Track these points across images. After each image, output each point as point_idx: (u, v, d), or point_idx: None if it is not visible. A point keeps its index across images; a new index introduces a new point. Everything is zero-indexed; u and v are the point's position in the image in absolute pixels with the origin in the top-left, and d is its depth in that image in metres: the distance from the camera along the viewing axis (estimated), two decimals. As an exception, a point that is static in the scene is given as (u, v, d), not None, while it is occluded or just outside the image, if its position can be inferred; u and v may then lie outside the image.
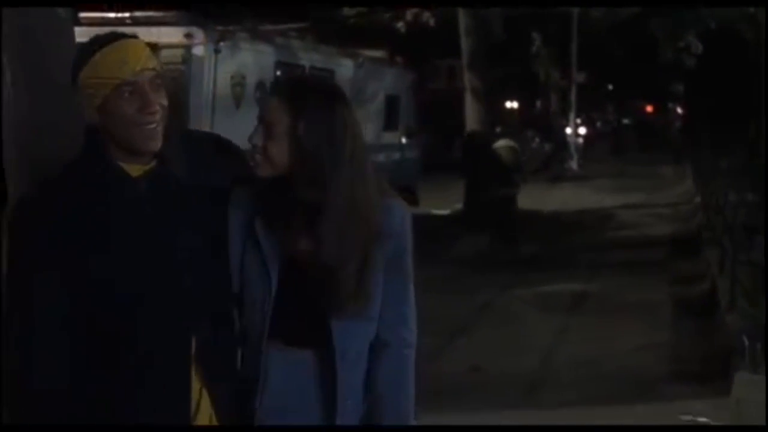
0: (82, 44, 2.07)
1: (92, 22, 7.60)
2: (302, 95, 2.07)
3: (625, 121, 48.39)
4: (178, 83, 8.25)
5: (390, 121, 12.77)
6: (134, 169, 2.07)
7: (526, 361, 6.67)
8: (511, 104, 43.53)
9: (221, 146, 2.28)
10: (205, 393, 2.13)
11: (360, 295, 2.09)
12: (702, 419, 5.33)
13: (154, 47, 8.43)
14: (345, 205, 2.05)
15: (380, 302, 2.15)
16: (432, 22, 14.79)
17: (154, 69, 2.07)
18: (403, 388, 2.19)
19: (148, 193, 2.08)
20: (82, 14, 7.81)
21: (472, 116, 14.99)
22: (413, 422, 2.19)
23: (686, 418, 5.35)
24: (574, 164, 29.47)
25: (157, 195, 2.09)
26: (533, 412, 5.49)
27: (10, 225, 2.07)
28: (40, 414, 2.02)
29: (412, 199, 13.93)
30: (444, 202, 16.18)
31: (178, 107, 8.32)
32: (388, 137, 12.83)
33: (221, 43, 8.61)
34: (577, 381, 6.17)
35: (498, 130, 34.15)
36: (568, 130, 30.40)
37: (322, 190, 2.03)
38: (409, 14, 13.99)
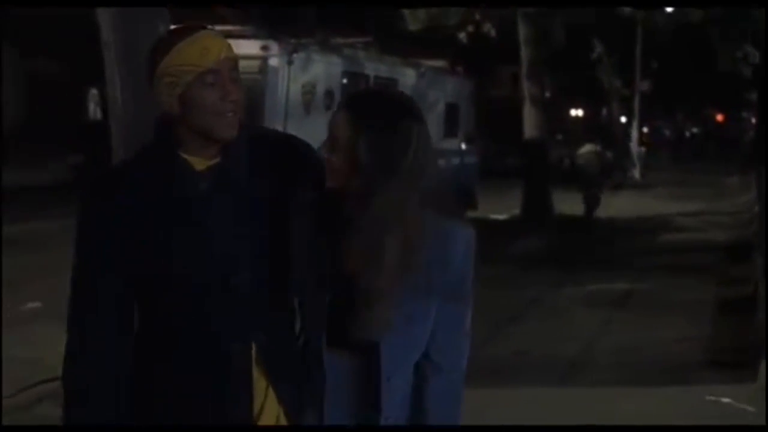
0: (162, 36, 2.13)
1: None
2: (368, 110, 2.11)
3: (695, 130, 48.32)
4: (255, 91, 9.13)
5: (450, 128, 13.51)
6: (199, 163, 2.10)
7: (568, 347, 7.35)
8: (576, 112, 43.87)
9: (294, 149, 2.24)
10: (271, 393, 2.14)
11: (400, 318, 2.08)
12: (725, 400, 5.95)
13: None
14: (387, 217, 2.05)
15: (431, 327, 2.14)
16: (492, 32, 15.46)
17: (233, 59, 2.11)
18: (452, 410, 2.22)
19: (210, 187, 2.10)
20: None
21: (530, 124, 15.64)
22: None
23: (710, 398, 5.97)
24: (636, 173, 29.80)
25: (219, 189, 2.10)
26: (570, 389, 6.18)
27: (79, 209, 2.12)
28: (91, 408, 2.06)
29: (471, 203, 14.68)
30: (503, 207, 16.87)
31: (255, 113, 9.20)
32: (448, 143, 13.57)
33: (294, 55, 9.44)
34: (614, 365, 6.83)
35: (560, 137, 34.63)
36: (632, 139, 30.75)
37: (368, 205, 2.05)
38: (471, 26, 14.70)
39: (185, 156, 2.08)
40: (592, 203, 14.73)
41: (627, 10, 20.43)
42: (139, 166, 2.11)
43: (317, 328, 2.13)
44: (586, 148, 15.13)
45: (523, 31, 15.48)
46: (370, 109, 2.10)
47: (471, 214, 14.99)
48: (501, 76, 30.02)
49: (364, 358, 2.11)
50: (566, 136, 34.66)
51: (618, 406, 5.79)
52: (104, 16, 6.41)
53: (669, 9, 21.13)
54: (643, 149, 31.09)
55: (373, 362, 2.10)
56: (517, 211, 16.42)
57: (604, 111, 39.56)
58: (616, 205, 19.30)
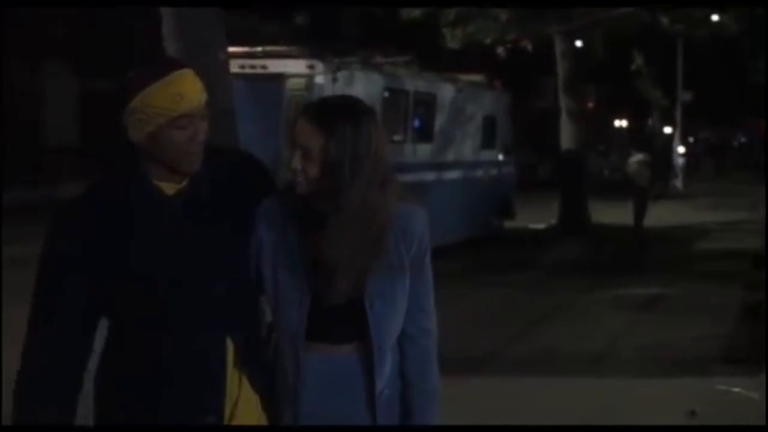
0: (137, 71, 2.18)
1: (231, 55, 9.26)
2: (329, 115, 2.24)
3: (743, 140, 48.21)
4: (301, 107, 9.89)
5: (487, 140, 14.17)
6: (168, 188, 2.24)
7: (593, 344, 7.97)
8: (619, 123, 44.17)
9: (250, 165, 2.43)
10: (245, 383, 2.31)
11: (386, 292, 2.30)
12: (736, 389, 6.56)
13: (282, 76, 10.13)
14: (358, 209, 2.22)
15: (407, 298, 2.35)
16: (529, 47, 16.12)
17: (205, 99, 2.22)
18: (429, 376, 2.41)
19: (181, 210, 2.23)
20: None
21: (567, 136, 16.26)
22: (438, 408, 2.42)
23: (722, 388, 6.58)
24: (678, 183, 30.17)
25: (189, 212, 2.24)
26: (592, 379, 6.82)
27: (50, 227, 2.22)
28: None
29: (509, 212, 15.34)
30: (544, 216, 17.48)
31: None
32: (486, 154, 14.23)
33: (338, 73, 10.18)
34: (635, 359, 7.44)
35: (601, 148, 35.05)
36: (674, 149, 31.10)
37: (340, 197, 2.20)
38: (508, 42, 15.37)
39: (156, 182, 2.22)
40: (641, 211, 15.49)
41: (665, 22, 20.93)
42: (112, 188, 2.22)
43: (293, 327, 2.27)
44: (636, 158, 16.04)
45: (559, 47, 16.11)
46: (333, 116, 2.23)
47: (509, 222, 15.65)
48: (543, 88, 30.57)
49: (355, 338, 2.30)
50: (607, 147, 35.10)
51: (636, 392, 6.45)
52: (166, 29, 7.27)
53: (704, 18, 21.53)
54: (685, 160, 31.42)
55: (364, 338, 2.29)
56: (554, 221, 17.02)
57: (649, 122, 39.93)
58: (654, 215, 19.77)
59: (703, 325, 8.65)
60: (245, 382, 2.30)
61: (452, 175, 12.98)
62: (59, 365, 2.15)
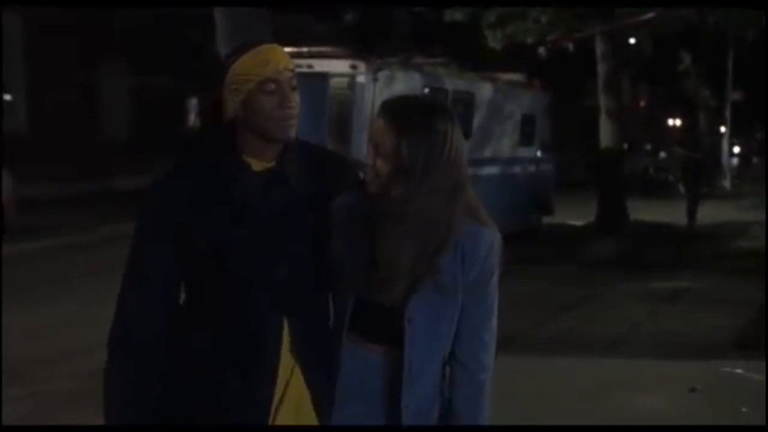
0: (230, 49, 2.38)
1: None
2: (404, 113, 2.23)
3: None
4: (344, 104, 10.63)
5: (526, 138, 14.77)
6: (257, 164, 2.36)
7: (614, 329, 8.57)
8: (669, 122, 44.23)
9: (334, 160, 2.53)
10: (297, 374, 2.38)
11: (430, 313, 2.25)
12: (738, 371, 7.13)
13: (326, 76, 10.86)
14: (423, 215, 2.19)
15: (455, 326, 2.29)
16: (571, 47, 16.64)
17: (292, 71, 2.36)
18: (480, 410, 2.32)
19: (265, 187, 2.34)
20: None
21: (605, 135, 16.78)
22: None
23: (725, 370, 7.17)
24: (727, 183, 30.34)
25: (272, 189, 2.35)
26: (607, 359, 7.44)
27: (145, 198, 2.37)
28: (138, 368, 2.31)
29: (547, 209, 15.92)
30: (583, 214, 17.99)
31: (344, 123, 10.67)
32: (524, 151, 14.83)
33: (379, 73, 10.87)
34: (651, 343, 8.03)
35: (648, 147, 35.31)
36: (722, 149, 31.29)
37: (407, 200, 2.19)
38: (549, 42, 15.90)
39: (246, 158, 2.35)
40: (693, 208, 16.20)
41: (712, 21, 21.26)
42: (204, 164, 2.35)
43: (341, 324, 2.34)
44: (687, 156, 16.81)
45: (600, 47, 16.63)
46: (409, 114, 2.22)
47: (548, 218, 16.23)
48: (587, 87, 30.94)
49: (391, 342, 2.27)
50: (656, 146, 35.35)
51: (646, 370, 7.07)
52: (219, 32, 8.02)
53: (754, 18, 21.77)
54: (734, 159, 31.56)
55: (398, 344, 2.25)
56: (593, 219, 17.54)
57: (699, 121, 40.03)
58: (698, 214, 20.17)
59: (722, 317, 9.18)
60: (298, 371, 2.37)
61: (490, 170, 13.60)
62: (146, 325, 2.31)
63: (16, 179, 13.74)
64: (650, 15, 14.63)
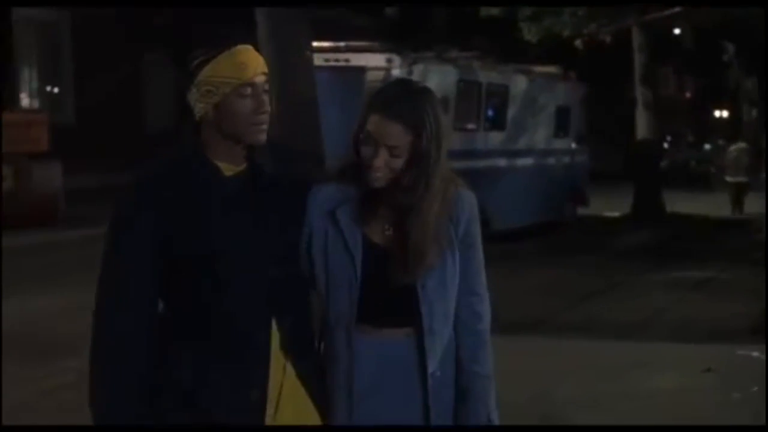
0: (203, 49, 2.33)
1: (315, 50, 10.46)
2: (412, 109, 2.31)
3: None
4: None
5: (560, 129, 15.12)
6: (228, 169, 2.36)
7: (636, 315, 8.95)
8: (720, 113, 44.08)
9: (301, 158, 2.65)
10: (290, 369, 2.40)
11: (436, 271, 2.38)
12: (755, 354, 7.48)
13: (363, 69, 11.32)
14: (441, 194, 2.35)
15: (456, 278, 2.42)
16: (608, 39, 16.95)
17: (266, 74, 2.35)
18: (482, 360, 2.46)
19: (237, 190, 2.35)
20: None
21: (642, 127, 17.07)
22: (493, 391, 2.49)
23: (741, 353, 7.52)
24: (769, 174, 30.29)
25: (244, 192, 2.36)
26: (626, 342, 7.82)
27: (121, 202, 2.36)
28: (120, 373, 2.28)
29: (582, 200, 16.26)
30: (619, 206, 18.30)
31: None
32: (558, 143, 15.19)
33: (413, 66, 11.32)
34: (671, 328, 8.41)
35: (691, 139, 35.31)
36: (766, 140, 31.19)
37: (426, 185, 2.32)
38: (586, 35, 16.24)
39: (216, 163, 2.35)
40: (740, 199, 16.52)
41: (753, 11, 21.35)
42: (176, 169, 2.35)
43: (345, 311, 2.37)
44: (737, 146, 17.18)
45: (637, 39, 16.92)
46: (416, 109, 2.32)
47: (584, 210, 16.56)
48: (625, 78, 31.06)
49: (408, 321, 2.38)
50: (699, 137, 35.36)
51: (663, 352, 7.46)
52: (260, 32, 8.52)
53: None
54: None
55: (416, 321, 2.37)
56: (628, 210, 17.85)
57: (743, 112, 39.85)
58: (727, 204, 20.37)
59: (742, 305, 9.44)
60: (290, 368, 2.40)
61: (524, 161, 13.99)
62: (129, 327, 2.30)
63: (64, 171, 14.42)
64: (677, 9, 14.89)
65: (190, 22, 21.27)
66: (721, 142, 31.90)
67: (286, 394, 2.39)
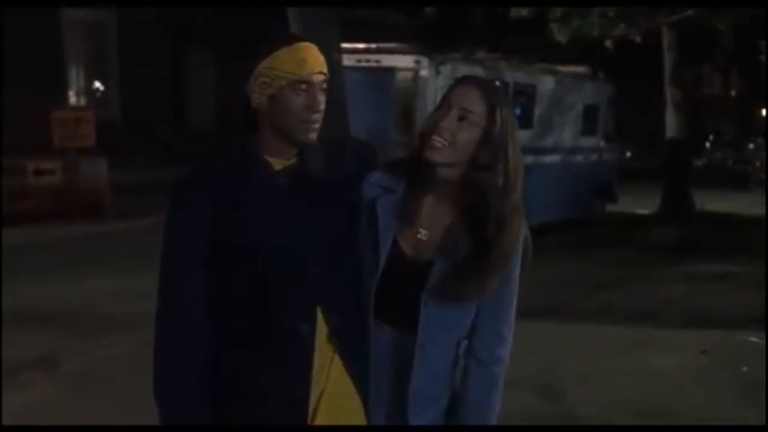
0: (267, 42, 2.34)
1: (347, 51, 11.14)
2: (497, 89, 2.36)
3: None
4: (408, 96, 11.80)
5: (588, 127, 15.70)
6: (277, 163, 2.37)
7: (649, 305, 9.53)
8: (758, 113, 44.04)
9: (353, 149, 2.57)
10: (336, 362, 2.42)
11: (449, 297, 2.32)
12: (752, 338, 8.05)
13: (393, 70, 12.03)
14: (516, 194, 2.30)
15: (470, 313, 2.36)
16: (638, 39, 17.42)
17: (325, 74, 2.33)
18: (492, 403, 2.41)
19: (286, 185, 2.37)
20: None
21: (672, 126, 17.56)
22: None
23: (738, 338, 8.10)
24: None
25: (293, 187, 2.37)
26: (636, 328, 8.43)
27: (175, 193, 2.38)
28: (181, 365, 2.32)
29: (610, 196, 16.82)
30: (650, 203, 18.78)
31: (409, 113, 11.82)
32: (586, 141, 15.77)
33: (441, 67, 12.00)
34: (680, 317, 8.99)
35: (728, 138, 35.48)
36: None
37: (503, 172, 2.27)
38: (616, 35, 16.75)
39: (266, 157, 2.37)
40: None
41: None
42: (227, 164, 2.39)
43: (368, 311, 2.40)
44: None
45: (667, 39, 17.42)
46: (498, 90, 2.39)
47: (615, 207, 17.09)
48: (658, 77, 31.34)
49: (408, 323, 2.34)
50: (741, 136, 35.52)
51: (666, 337, 8.07)
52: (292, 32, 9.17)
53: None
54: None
55: (410, 340, 2.34)
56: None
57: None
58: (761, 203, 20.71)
59: (749, 296, 9.93)
60: (337, 361, 2.43)
61: (551, 158, 14.59)
62: (189, 326, 2.36)
63: (110, 166, 15.26)
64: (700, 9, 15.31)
65: (230, 22, 22.08)
66: (760, 140, 32.07)
67: (330, 390, 2.42)
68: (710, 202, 18.81)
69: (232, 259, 2.35)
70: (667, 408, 6.10)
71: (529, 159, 14.07)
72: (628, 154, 27.78)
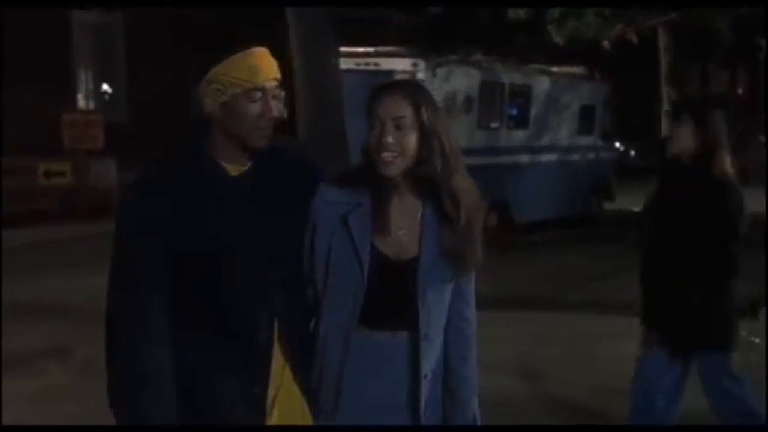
0: (220, 45, 2.35)
1: (347, 54, 11.49)
2: (410, 84, 2.51)
3: None
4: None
5: (585, 127, 16.04)
6: (233, 169, 2.39)
7: (634, 295, 9.85)
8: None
9: (300, 162, 2.57)
10: (287, 373, 2.44)
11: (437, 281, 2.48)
12: (756, 339, 8.35)
13: (391, 72, 12.42)
14: (461, 172, 2.46)
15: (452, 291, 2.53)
16: (635, 39, 17.76)
17: (278, 80, 2.35)
18: (469, 362, 2.58)
19: (242, 192, 2.39)
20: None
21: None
22: (475, 391, 2.61)
23: (742, 334, 8.43)
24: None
25: (250, 193, 2.39)
26: (625, 318, 8.72)
27: (124, 199, 2.43)
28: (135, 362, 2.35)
29: (607, 194, 17.17)
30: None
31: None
32: (583, 140, 16.12)
33: (437, 69, 12.38)
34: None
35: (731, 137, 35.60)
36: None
37: (441, 157, 2.38)
38: (613, 35, 17.08)
39: (222, 163, 2.38)
40: None
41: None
42: (181, 169, 2.38)
43: (347, 310, 2.41)
44: None
45: (663, 40, 17.77)
46: (408, 84, 2.58)
47: (613, 205, 17.39)
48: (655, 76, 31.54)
49: (407, 325, 2.45)
50: (738, 136, 35.66)
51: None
52: (291, 34, 9.57)
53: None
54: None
55: (415, 325, 2.45)
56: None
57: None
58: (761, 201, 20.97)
59: (748, 289, 10.29)
60: (288, 370, 2.46)
61: (547, 157, 14.96)
62: (140, 329, 2.36)
63: (118, 167, 15.61)
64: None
65: (229, 23, 22.37)
66: (761, 137, 32.20)
67: (282, 394, 2.45)
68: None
69: (188, 267, 2.36)
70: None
71: (525, 158, 14.47)
72: (632, 153, 28.14)
